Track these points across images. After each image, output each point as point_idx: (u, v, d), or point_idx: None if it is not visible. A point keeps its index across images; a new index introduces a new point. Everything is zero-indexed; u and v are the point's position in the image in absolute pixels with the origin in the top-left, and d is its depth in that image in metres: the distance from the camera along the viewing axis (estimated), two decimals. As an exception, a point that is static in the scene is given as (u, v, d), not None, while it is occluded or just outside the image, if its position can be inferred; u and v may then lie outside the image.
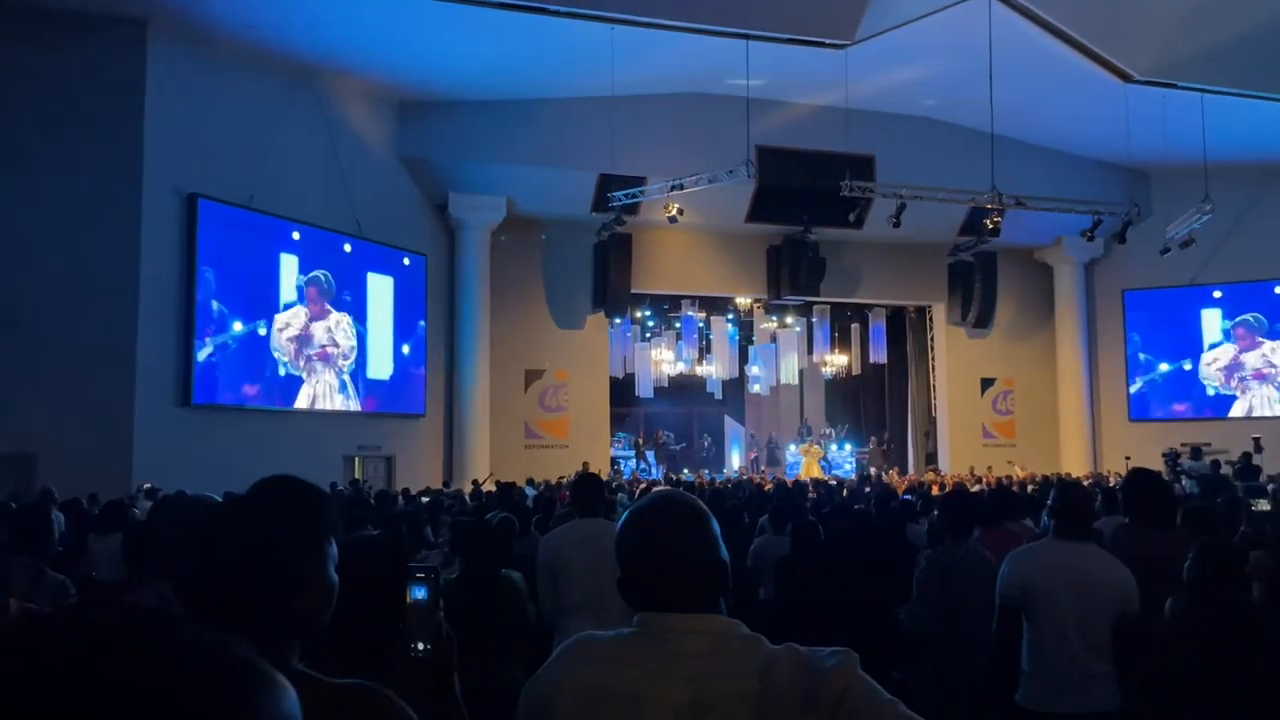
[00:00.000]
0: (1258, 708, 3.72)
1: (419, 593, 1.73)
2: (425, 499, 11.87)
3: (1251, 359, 21.48)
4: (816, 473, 20.81)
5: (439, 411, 18.70)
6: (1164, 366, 22.25)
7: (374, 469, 17.14)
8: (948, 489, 9.63)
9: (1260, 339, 21.36)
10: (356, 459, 17.04)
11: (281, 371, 15.58)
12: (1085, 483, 14.08)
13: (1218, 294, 21.60)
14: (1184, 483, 13.55)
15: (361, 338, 17.08)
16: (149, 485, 11.21)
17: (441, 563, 5.42)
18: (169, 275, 13.94)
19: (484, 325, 18.93)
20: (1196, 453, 14.84)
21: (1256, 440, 15.29)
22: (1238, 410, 21.29)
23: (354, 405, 16.86)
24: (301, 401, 15.89)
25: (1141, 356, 22.43)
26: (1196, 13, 15.07)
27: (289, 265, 15.79)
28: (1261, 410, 21.07)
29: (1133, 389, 22.42)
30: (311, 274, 16.21)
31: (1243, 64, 15.97)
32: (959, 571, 4.25)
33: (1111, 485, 9.81)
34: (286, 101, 15.55)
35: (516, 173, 18.12)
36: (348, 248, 16.71)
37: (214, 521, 1.58)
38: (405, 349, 17.94)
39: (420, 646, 1.69)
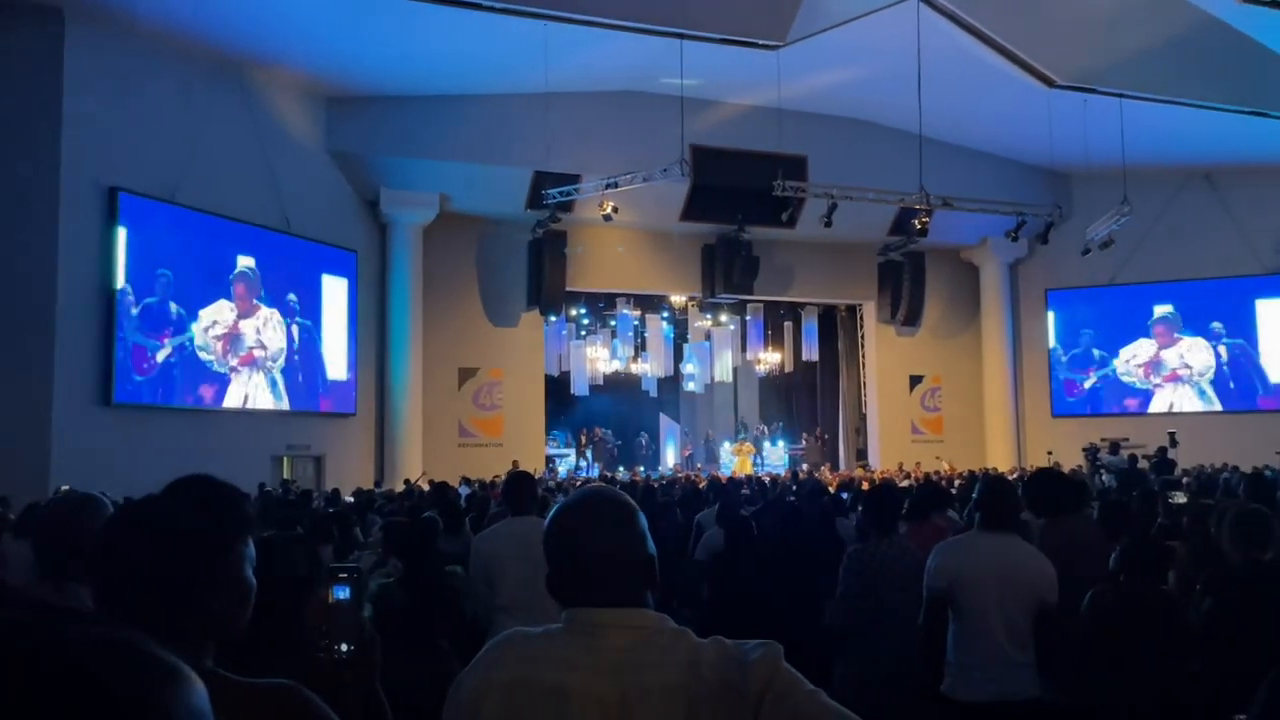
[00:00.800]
0: (1174, 691, 3.86)
1: (341, 593, 1.71)
2: (351, 499, 11.72)
3: (1170, 356, 22.20)
4: (749, 470, 20.99)
5: (370, 410, 18.44)
6: (1085, 364, 22.89)
7: (303, 469, 16.85)
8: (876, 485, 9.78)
9: (1177, 335, 22.09)
10: (285, 459, 16.73)
11: (210, 368, 15.21)
12: (1010, 477, 14.42)
13: (1136, 293, 22.28)
14: (1103, 477, 13.96)
15: (290, 335, 16.76)
16: (67, 487, 10.86)
17: (374, 564, 5.36)
18: (88, 270, 13.52)
19: (416, 323, 18.71)
20: (1115, 447, 15.30)
21: (1172, 435, 15.82)
22: (1157, 406, 22.00)
23: (284, 404, 16.55)
24: (231, 400, 15.54)
25: (1064, 355, 23.06)
26: (1115, 21, 15.53)
27: (212, 261, 15.41)
28: (1180, 406, 21.79)
29: (1055, 386, 23.04)
30: (238, 270, 15.87)
31: (1158, 71, 16.50)
32: (882, 566, 4.32)
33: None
34: (211, 94, 15.18)
35: (450, 169, 17.95)
36: (275, 244, 16.36)
37: (126, 521, 1.54)
38: (335, 347, 17.64)
39: (343, 647, 1.68)
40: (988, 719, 3.71)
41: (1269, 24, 14.63)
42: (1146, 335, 22.36)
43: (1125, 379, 22.50)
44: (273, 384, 16.38)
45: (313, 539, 5.93)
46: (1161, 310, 22.21)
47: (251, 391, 15.94)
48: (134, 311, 14.05)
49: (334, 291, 17.63)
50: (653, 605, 1.67)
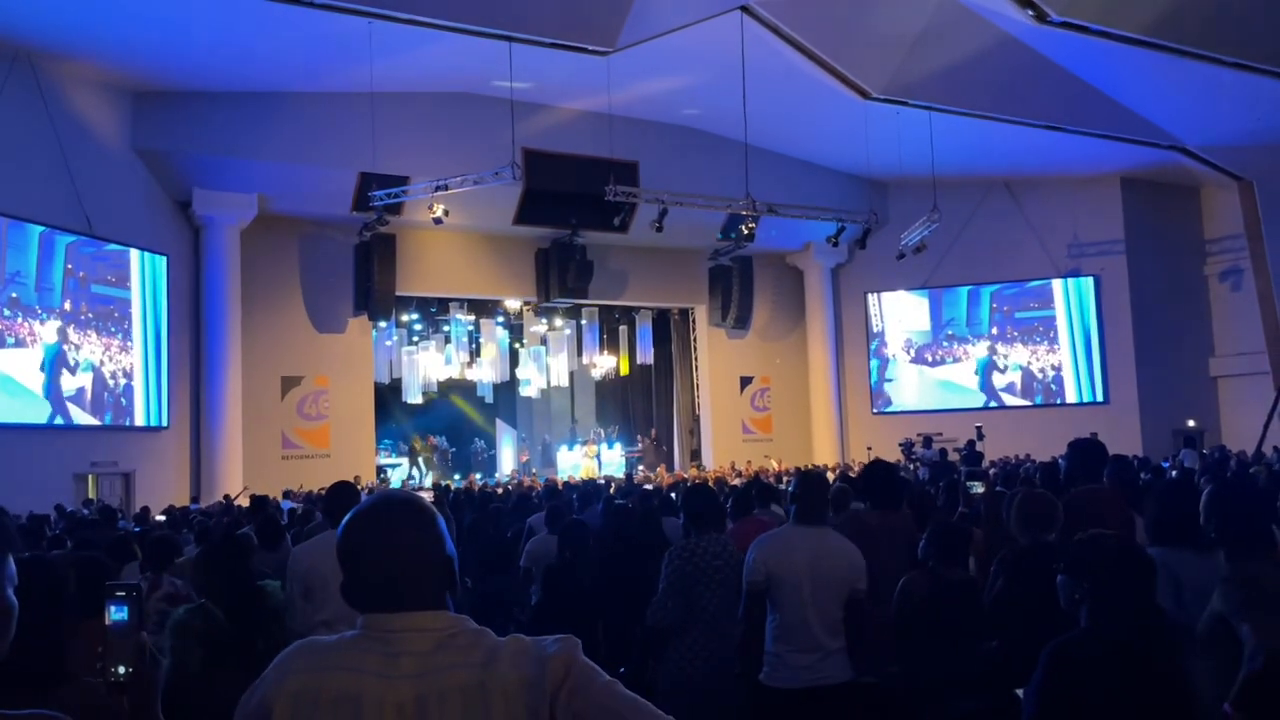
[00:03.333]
0: (975, 669, 4.09)
1: (119, 613, 1.59)
2: (162, 517, 11.07)
3: (979, 352, 23.63)
4: (593, 472, 21.06)
5: (185, 422, 17.44)
6: (900, 363, 24.10)
7: (110, 487, 15.76)
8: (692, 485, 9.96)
9: (988, 333, 23.54)
10: (90, 477, 15.63)
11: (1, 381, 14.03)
12: (832, 472, 15.00)
13: (940, 296, 23.63)
14: (918, 469, 14.72)
15: (92, 345, 15.66)
16: None
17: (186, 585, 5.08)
18: None
19: (234, 330, 17.80)
20: (928, 442, 16.18)
21: (979, 429, 16.85)
22: (966, 401, 23.36)
23: (86, 418, 15.44)
24: (30, 413, 14.35)
25: (881, 354, 24.19)
26: (924, 38, 16.40)
27: (5, 265, 14.23)
28: (991, 401, 23.21)
29: (874, 384, 24.16)
30: (46, 270, 14.72)
31: (964, 86, 17.55)
32: (700, 564, 4.40)
33: (852, 474, 10.49)
34: (1, 87, 14.04)
35: (268, 169, 17.20)
36: (73, 246, 15.23)
37: None
38: (144, 356, 16.59)
39: (120, 670, 1.56)
40: (804, 704, 3.84)
41: (1062, 44, 15.79)
42: (961, 334, 23.72)
43: (953, 379, 23.75)
44: (77, 396, 15.27)
45: (114, 559, 5.56)
46: (974, 309, 23.62)
47: (57, 400, 14.79)
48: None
49: (141, 296, 16.56)
50: (452, 607, 1.66)
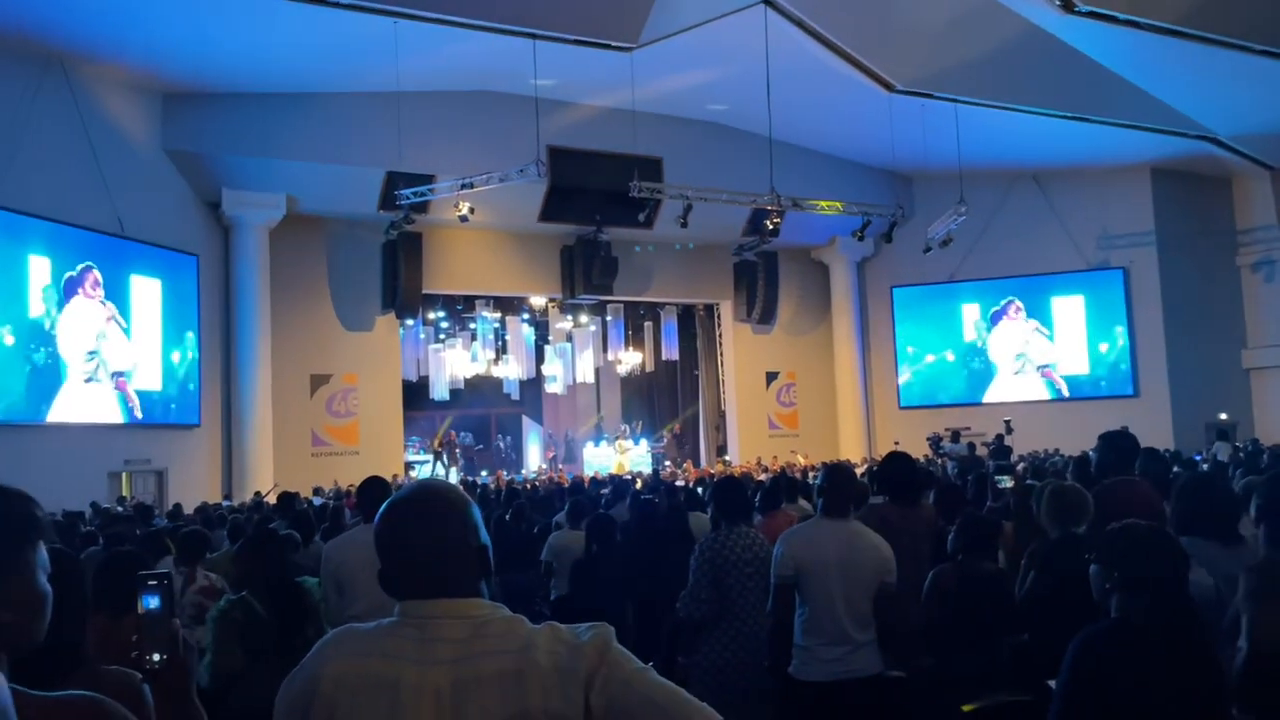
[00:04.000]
0: (1005, 662, 4.08)
1: (151, 602, 1.63)
2: (193, 514, 11.20)
3: (1015, 345, 23.38)
4: (625, 468, 21.10)
5: (216, 420, 17.64)
6: (929, 357, 23.96)
7: (143, 484, 15.97)
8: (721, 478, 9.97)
9: (1021, 323, 23.30)
10: (124, 474, 15.84)
11: (38, 379, 14.22)
12: (860, 467, 14.96)
13: (967, 290, 23.45)
14: (946, 464, 14.64)
15: (128, 343, 15.85)
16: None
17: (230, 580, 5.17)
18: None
19: (264, 329, 17.97)
20: (956, 436, 16.08)
21: (1007, 423, 16.73)
22: (995, 395, 23.17)
23: (120, 416, 15.64)
24: (64, 412, 14.56)
25: (908, 349, 24.06)
26: (950, 30, 16.29)
27: (39, 267, 14.43)
28: (1022, 395, 22.97)
29: (901, 379, 24.03)
30: (78, 270, 14.94)
31: (990, 78, 17.41)
32: (730, 557, 4.41)
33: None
34: (36, 91, 14.23)
35: (296, 169, 17.35)
36: (99, 247, 15.37)
37: None
38: (176, 355, 16.78)
39: (155, 658, 1.60)
40: (833, 696, 3.84)
41: (1089, 35, 15.64)
42: (993, 321, 23.49)
43: (996, 363, 23.53)
44: (117, 395, 15.49)
45: (147, 553, 5.65)
46: (1003, 302, 23.43)
47: (89, 401, 14.99)
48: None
49: (173, 296, 16.74)
50: (488, 594, 1.69)
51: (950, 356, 23.83)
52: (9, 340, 13.80)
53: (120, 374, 15.66)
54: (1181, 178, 22.10)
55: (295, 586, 4.45)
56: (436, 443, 23.13)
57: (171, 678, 1.60)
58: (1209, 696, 2.40)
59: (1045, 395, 22.96)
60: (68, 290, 14.84)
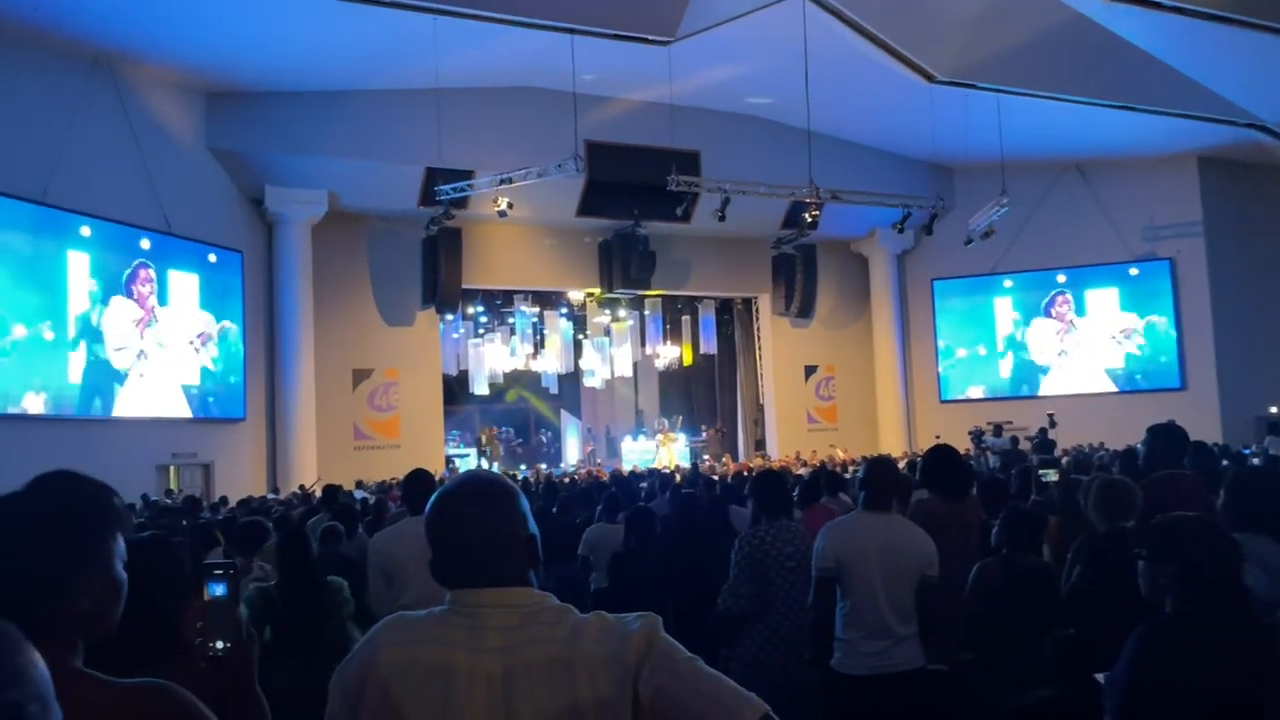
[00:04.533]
0: (1050, 658, 4.05)
1: (217, 589, 1.67)
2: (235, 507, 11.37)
3: (1058, 338, 23.09)
4: (674, 460, 21.13)
5: (260, 415, 17.91)
6: (968, 351, 23.72)
7: (191, 477, 16.26)
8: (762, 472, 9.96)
9: (1068, 317, 22.99)
10: (172, 468, 16.14)
11: (90, 376, 14.52)
12: (900, 462, 14.84)
13: (1009, 283, 23.17)
14: (988, 458, 14.49)
15: (175, 339, 16.14)
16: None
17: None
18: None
19: (307, 324, 18.23)
20: (998, 430, 15.90)
21: (1051, 416, 16.52)
22: (1038, 389, 22.88)
23: (170, 411, 15.93)
24: (115, 406, 14.87)
25: (949, 342, 23.83)
26: (990, 18, 16.09)
27: (88, 264, 14.72)
28: (1067, 387, 22.65)
29: (941, 372, 23.81)
30: (130, 267, 15.25)
31: (1032, 67, 17.17)
32: (771, 550, 4.41)
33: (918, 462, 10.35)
34: (82, 90, 14.52)
35: (338, 166, 17.54)
36: (147, 244, 15.66)
37: None
38: (221, 351, 17.06)
39: (219, 645, 1.64)
40: (875, 690, 3.83)
41: (1134, 21, 15.37)
42: (1045, 313, 23.19)
43: (1033, 358, 23.27)
44: (167, 390, 15.80)
45: (197, 544, 5.77)
46: (1050, 295, 23.12)
47: (137, 396, 15.29)
48: (7, 318, 13.32)
49: (218, 292, 17.02)
50: (536, 584, 1.71)
51: (988, 350, 23.57)
52: (49, 335, 14.08)
53: (167, 369, 15.95)
54: (1229, 166, 21.65)
55: (317, 584, 4.52)
56: (484, 440, 23.27)
57: (235, 665, 1.64)
58: (1270, 691, 2.36)
59: (1089, 389, 22.63)
60: (116, 287, 15.14)
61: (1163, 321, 22.25)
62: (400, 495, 9.60)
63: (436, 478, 16.56)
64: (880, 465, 4.29)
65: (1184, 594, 2.46)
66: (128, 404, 15.18)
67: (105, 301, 14.95)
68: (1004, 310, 23.47)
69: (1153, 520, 2.72)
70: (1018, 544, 4.28)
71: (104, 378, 14.86)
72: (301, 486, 15.42)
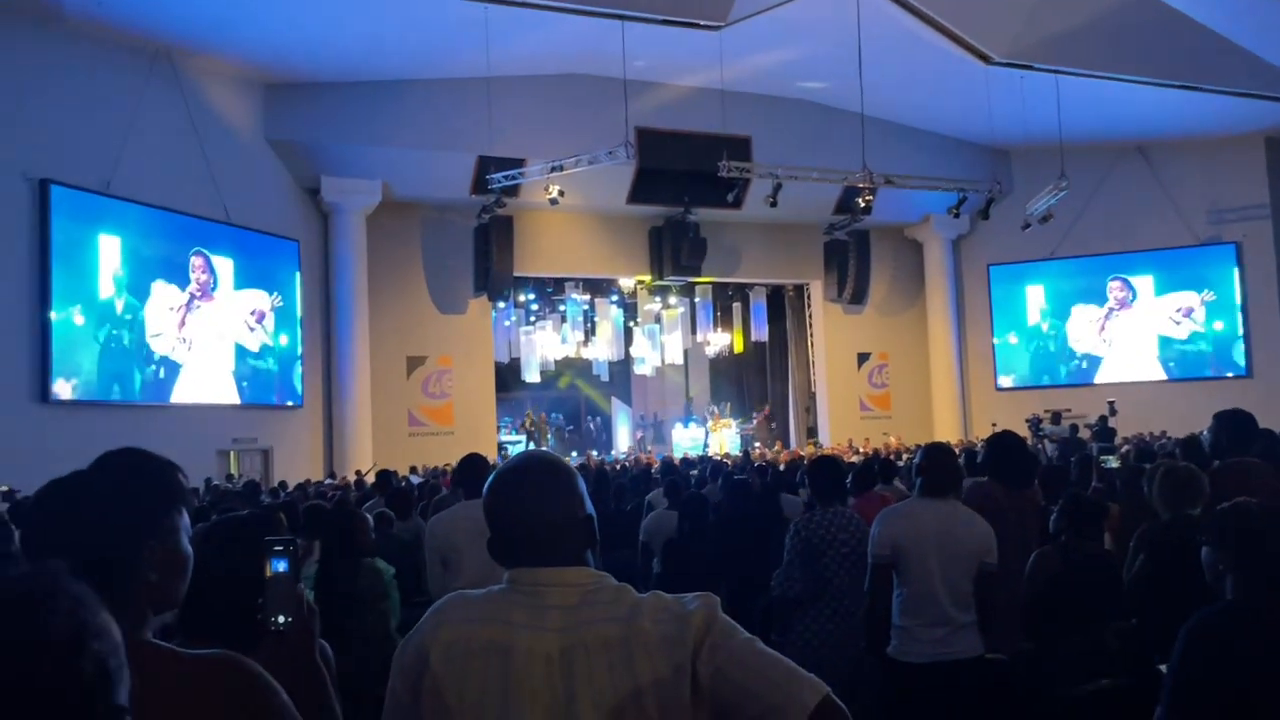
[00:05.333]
0: (1111, 647, 3.97)
1: (279, 565, 1.70)
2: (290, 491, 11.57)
3: (1121, 321, 22.60)
4: (724, 445, 21.10)
5: (317, 401, 18.21)
6: (1024, 337, 23.32)
7: (250, 463, 16.60)
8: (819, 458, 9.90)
9: (1129, 300, 22.50)
10: (232, 453, 16.48)
11: (153, 363, 14.88)
12: (957, 449, 14.65)
13: (1068, 268, 22.71)
14: (1046, 446, 14.25)
15: (231, 323, 16.47)
16: (6, 488, 10.62)
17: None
18: (19, 265, 13.16)
19: (362, 312, 18.48)
20: (1057, 418, 15.61)
21: (1111, 404, 16.18)
22: (1104, 376, 22.42)
23: (232, 397, 16.28)
24: (177, 393, 15.24)
25: (1004, 329, 23.45)
26: (1049, -2, 15.76)
27: (148, 254, 15.06)
28: (1128, 374, 22.17)
29: (997, 359, 23.44)
30: (187, 257, 15.59)
31: (1092, 47, 16.79)
32: (826, 537, 4.38)
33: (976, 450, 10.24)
34: (144, 83, 14.83)
35: (391, 155, 17.73)
36: (215, 234, 16.04)
37: (55, 494, 1.53)
38: (281, 339, 17.38)
39: (280, 619, 1.67)
40: (933, 678, 3.79)
41: (1197, -1, 14.97)
42: (1099, 300, 22.73)
43: (1074, 346, 22.87)
44: (226, 376, 16.15)
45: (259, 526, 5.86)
46: (1108, 280, 22.64)
47: (200, 380, 15.63)
48: (73, 307, 13.70)
49: (276, 280, 17.33)
50: (593, 564, 1.71)
51: (1044, 337, 23.16)
52: (137, 321, 14.43)
53: (223, 356, 16.28)
54: (1299, 147, 21.01)
55: (354, 567, 4.52)
56: (528, 423, 23.44)
57: (296, 639, 1.67)
58: None
59: (1151, 376, 22.13)
60: (175, 276, 15.48)
61: (1228, 308, 21.66)
62: (451, 479, 9.70)
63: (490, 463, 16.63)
64: (939, 451, 4.22)
65: (1241, 579, 2.40)
66: (190, 390, 15.52)
67: (182, 283, 15.30)
68: (1061, 296, 23.02)
69: (1217, 507, 2.67)
70: (1078, 531, 4.20)
71: (168, 365, 15.20)
72: (358, 472, 15.65)
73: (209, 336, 15.97)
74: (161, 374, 15.10)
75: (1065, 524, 4.19)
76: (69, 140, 13.71)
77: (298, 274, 17.75)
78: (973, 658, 3.84)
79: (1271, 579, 2.37)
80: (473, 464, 4.94)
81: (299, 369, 17.71)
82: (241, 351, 16.58)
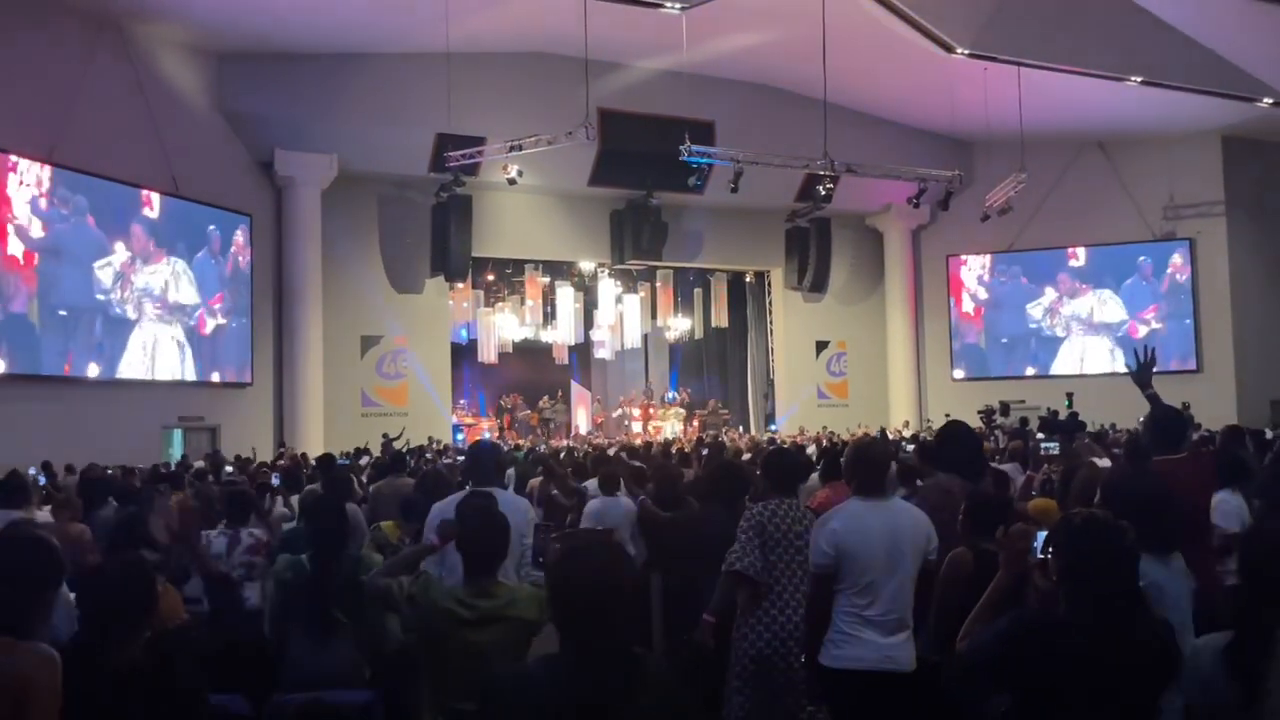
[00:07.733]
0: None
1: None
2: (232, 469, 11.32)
3: (1077, 307, 22.77)
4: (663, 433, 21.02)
5: (268, 379, 17.87)
6: (983, 328, 23.47)
7: (197, 441, 16.26)
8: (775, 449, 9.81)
9: (1082, 286, 22.68)
10: (177, 431, 16.16)
11: (94, 334, 14.50)
12: (895, 433, 14.68)
13: (1025, 260, 22.87)
14: (998, 437, 14.32)
15: (182, 300, 16.10)
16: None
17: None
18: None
19: (315, 289, 18.12)
20: (1006, 409, 15.74)
21: (1070, 395, 16.32)
22: (1053, 368, 22.61)
23: (179, 373, 15.93)
24: (122, 368, 14.87)
25: (962, 319, 23.58)
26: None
27: (95, 226, 14.65)
28: (1077, 367, 22.38)
29: (955, 350, 23.58)
30: (134, 229, 15.19)
31: (1055, 40, 16.82)
32: (781, 526, 4.26)
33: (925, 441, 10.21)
34: (92, 50, 14.40)
35: (348, 130, 17.40)
36: (164, 206, 15.62)
37: None
38: (229, 314, 17.01)
39: None
40: (874, 686, 3.66)
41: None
42: (1056, 293, 22.90)
43: (1035, 326, 23.01)
44: (176, 346, 15.81)
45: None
46: (1061, 274, 22.82)
47: (148, 344, 15.27)
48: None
49: (225, 254, 16.96)
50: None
51: (1003, 328, 23.32)
52: (61, 297, 14.04)
53: (173, 329, 15.92)
54: (1254, 145, 21.22)
55: (341, 557, 4.27)
56: (507, 422, 23.03)
57: None
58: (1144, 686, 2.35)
59: (1103, 369, 22.33)
60: (125, 248, 15.07)
61: (1180, 303, 21.92)
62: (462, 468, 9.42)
63: (442, 446, 16.51)
64: (872, 450, 4.07)
65: (1066, 591, 2.41)
66: (135, 366, 15.17)
67: (116, 264, 14.90)
68: (1019, 288, 23.18)
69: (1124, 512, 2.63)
70: (979, 531, 3.99)
71: (114, 339, 14.82)
72: (385, 434, 16.15)
73: (154, 311, 15.58)
74: (103, 346, 14.70)
75: (969, 524, 3.99)
76: (11, 107, 13.28)
77: (249, 249, 17.36)
78: (914, 665, 3.73)
79: (1091, 591, 2.35)
80: (479, 452, 5.01)
81: (249, 346, 17.35)
82: (188, 329, 16.21)
